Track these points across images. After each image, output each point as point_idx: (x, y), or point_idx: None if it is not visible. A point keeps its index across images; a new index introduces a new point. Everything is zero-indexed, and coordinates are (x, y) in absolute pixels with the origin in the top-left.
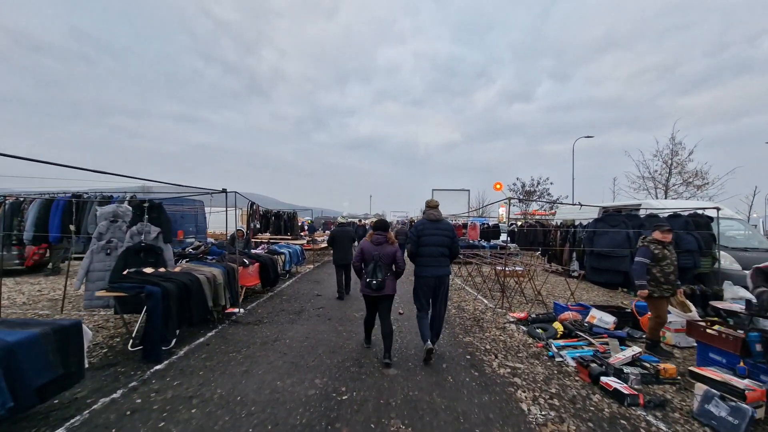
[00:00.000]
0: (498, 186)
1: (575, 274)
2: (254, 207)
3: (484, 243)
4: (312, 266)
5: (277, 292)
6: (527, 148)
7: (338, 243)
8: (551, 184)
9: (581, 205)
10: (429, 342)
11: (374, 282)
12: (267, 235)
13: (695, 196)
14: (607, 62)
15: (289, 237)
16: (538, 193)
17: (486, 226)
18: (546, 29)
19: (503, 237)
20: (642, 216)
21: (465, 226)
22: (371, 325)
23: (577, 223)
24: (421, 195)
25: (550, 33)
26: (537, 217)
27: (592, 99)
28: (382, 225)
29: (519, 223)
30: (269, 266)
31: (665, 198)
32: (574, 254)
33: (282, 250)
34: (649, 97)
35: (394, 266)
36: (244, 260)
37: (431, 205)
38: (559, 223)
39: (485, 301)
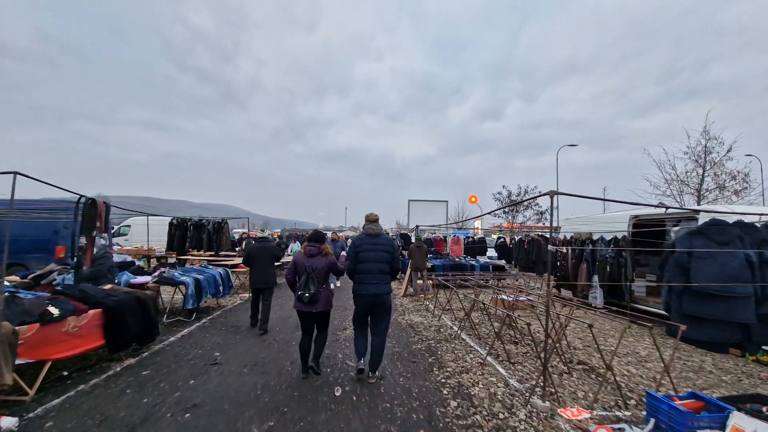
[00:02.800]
0: (473, 199)
1: (595, 302)
2: (96, 208)
3: (472, 261)
4: (250, 295)
5: (142, 358)
6: (500, 163)
7: (256, 262)
8: (539, 192)
9: (666, 208)
10: (361, 361)
11: (306, 294)
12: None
13: (732, 203)
14: (570, 85)
15: (226, 255)
16: (525, 204)
17: (470, 239)
18: (514, 52)
19: (490, 252)
20: (760, 226)
21: (445, 239)
22: (307, 349)
23: (596, 237)
24: (398, 207)
25: (519, 56)
26: (534, 230)
27: (557, 119)
28: (316, 237)
29: (517, 238)
30: (126, 313)
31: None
32: (595, 279)
33: (184, 278)
34: (607, 118)
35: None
36: (50, 309)
37: (370, 219)
38: (569, 238)
39: (504, 374)
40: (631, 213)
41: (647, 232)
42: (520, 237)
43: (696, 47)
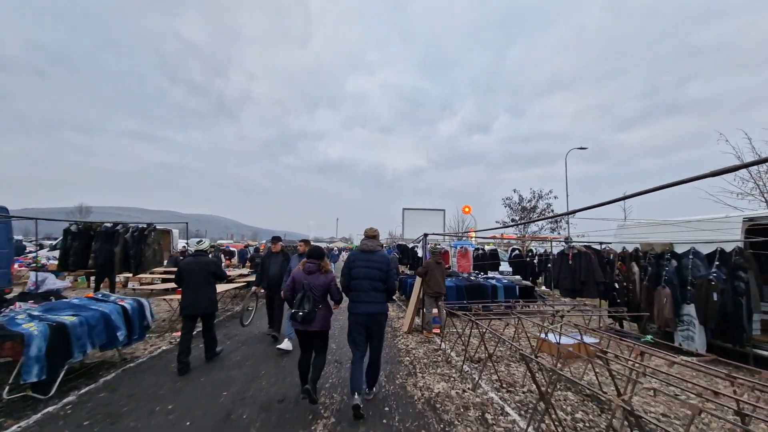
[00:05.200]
0: (467, 209)
1: (689, 346)
2: None
3: (492, 280)
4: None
5: None
6: (488, 176)
7: (189, 281)
8: (555, 198)
9: None
10: (356, 396)
11: (300, 314)
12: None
13: None
14: (555, 100)
15: (165, 274)
16: (539, 210)
17: (481, 252)
18: (502, 69)
19: (503, 267)
20: None
21: (451, 252)
22: (306, 366)
23: (685, 250)
24: (390, 217)
25: (506, 72)
26: (548, 243)
27: (544, 133)
28: (316, 253)
29: (559, 248)
30: None
31: None
32: (688, 310)
33: (29, 326)
34: (592, 132)
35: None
36: None
37: (369, 235)
38: (629, 250)
39: None
40: (745, 215)
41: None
42: (561, 250)
43: (674, 66)
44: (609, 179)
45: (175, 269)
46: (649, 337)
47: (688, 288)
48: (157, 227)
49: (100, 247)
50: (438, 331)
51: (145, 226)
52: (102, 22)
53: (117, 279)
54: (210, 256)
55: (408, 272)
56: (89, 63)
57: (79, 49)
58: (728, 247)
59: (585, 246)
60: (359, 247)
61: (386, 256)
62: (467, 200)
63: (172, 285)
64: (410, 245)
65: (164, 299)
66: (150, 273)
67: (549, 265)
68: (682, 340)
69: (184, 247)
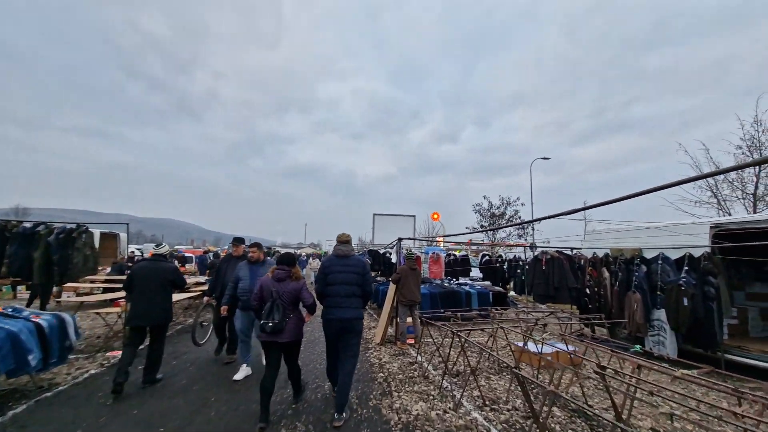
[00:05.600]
0: (435, 216)
1: (660, 351)
2: None
3: (466, 286)
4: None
5: None
6: (456, 184)
7: (142, 287)
8: (522, 205)
9: None
10: (337, 417)
11: (269, 324)
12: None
13: None
14: (518, 115)
15: (107, 283)
16: (508, 216)
17: (453, 258)
18: (469, 83)
19: (474, 272)
20: None
21: (423, 258)
22: (270, 387)
23: (653, 255)
24: (361, 223)
25: (473, 86)
26: (514, 249)
27: (507, 144)
28: (286, 259)
29: (528, 254)
30: None
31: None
32: (658, 316)
33: None
34: (550, 146)
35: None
36: None
37: (341, 240)
38: (599, 256)
39: None
40: (712, 221)
41: (738, 248)
42: (535, 255)
43: (621, 88)
44: (565, 190)
45: (119, 278)
46: (637, 347)
47: (658, 293)
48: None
49: (15, 252)
50: (412, 341)
51: (74, 227)
52: (44, 10)
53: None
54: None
55: (380, 279)
56: (33, 54)
57: (20, 39)
58: (696, 253)
59: (557, 251)
60: (333, 252)
61: (362, 260)
62: (436, 207)
63: (114, 295)
64: (382, 251)
65: (97, 313)
66: (90, 282)
67: (518, 270)
68: (653, 345)
69: (133, 252)
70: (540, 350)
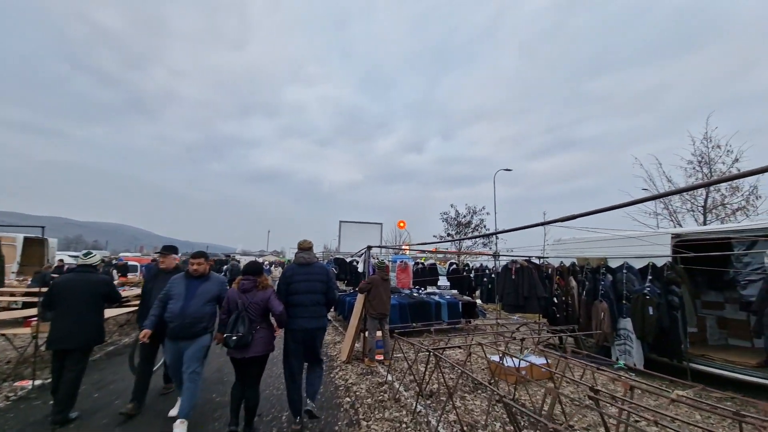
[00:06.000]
0: (401, 224)
1: (628, 360)
2: None
3: (435, 296)
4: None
5: None
6: (421, 193)
7: (67, 303)
8: (487, 214)
9: None
10: (298, 419)
11: (233, 338)
12: None
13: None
14: (480, 129)
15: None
16: (474, 225)
17: (421, 266)
18: (435, 95)
19: (442, 281)
20: None
21: (390, 266)
22: (239, 395)
23: (619, 264)
24: (326, 230)
25: (438, 99)
26: (479, 258)
27: (469, 157)
28: (252, 268)
29: (496, 263)
30: None
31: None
32: (624, 325)
33: None
34: (509, 159)
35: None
36: None
37: (303, 247)
38: (566, 265)
39: None
40: (672, 231)
41: (699, 258)
42: (505, 265)
43: (571, 108)
44: (525, 200)
45: (44, 289)
46: (621, 363)
47: (624, 302)
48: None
49: None
50: (381, 357)
51: None
52: None
53: None
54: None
55: (346, 289)
56: None
57: None
58: (659, 262)
59: (526, 260)
60: (295, 260)
61: (325, 267)
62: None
63: (30, 312)
64: (348, 259)
65: (2, 334)
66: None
67: (485, 279)
68: (620, 354)
69: (61, 261)
70: (518, 365)
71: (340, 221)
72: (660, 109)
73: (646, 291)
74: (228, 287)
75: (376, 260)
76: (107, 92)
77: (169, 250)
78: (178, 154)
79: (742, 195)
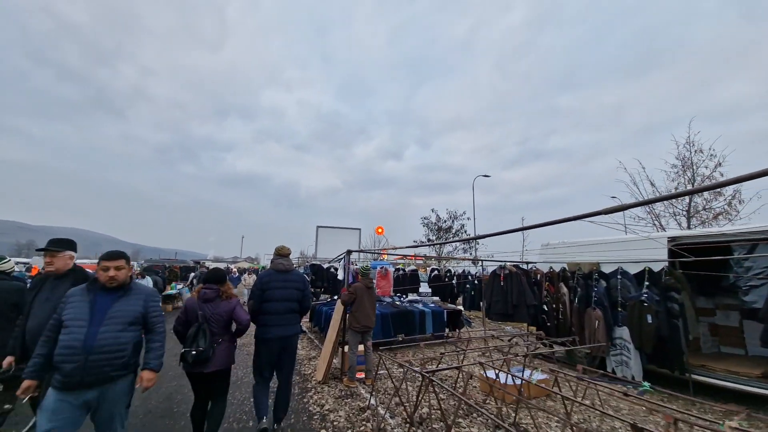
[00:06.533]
0: (380, 230)
1: (625, 371)
2: None
3: (418, 304)
4: None
5: None
6: (400, 200)
7: None
8: (468, 219)
9: None
10: (264, 421)
11: (192, 353)
12: None
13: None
14: (456, 138)
15: None
16: (454, 230)
17: (402, 272)
18: (413, 104)
19: (423, 288)
20: None
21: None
22: (200, 416)
23: (613, 269)
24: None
25: (417, 108)
26: (462, 264)
27: (446, 165)
28: (214, 276)
29: (477, 269)
30: None
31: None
32: (620, 334)
33: None
34: (484, 168)
35: (234, 325)
36: None
37: (281, 253)
38: (559, 271)
39: None
40: (669, 234)
41: (696, 262)
42: (493, 270)
43: (541, 121)
44: (500, 208)
45: None
46: (646, 385)
47: (619, 309)
48: None
49: None
50: (362, 375)
51: None
52: None
53: None
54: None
55: (324, 298)
56: None
57: None
58: (655, 267)
59: (514, 266)
60: (272, 266)
61: (302, 275)
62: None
63: None
64: (326, 265)
65: None
66: None
67: (468, 286)
68: (616, 365)
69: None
70: (520, 383)
71: (318, 226)
72: (622, 124)
73: (643, 298)
74: (159, 300)
75: (360, 266)
76: (71, 88)
77: (62, 245)
78: (149, 155)
79: (725, 199)
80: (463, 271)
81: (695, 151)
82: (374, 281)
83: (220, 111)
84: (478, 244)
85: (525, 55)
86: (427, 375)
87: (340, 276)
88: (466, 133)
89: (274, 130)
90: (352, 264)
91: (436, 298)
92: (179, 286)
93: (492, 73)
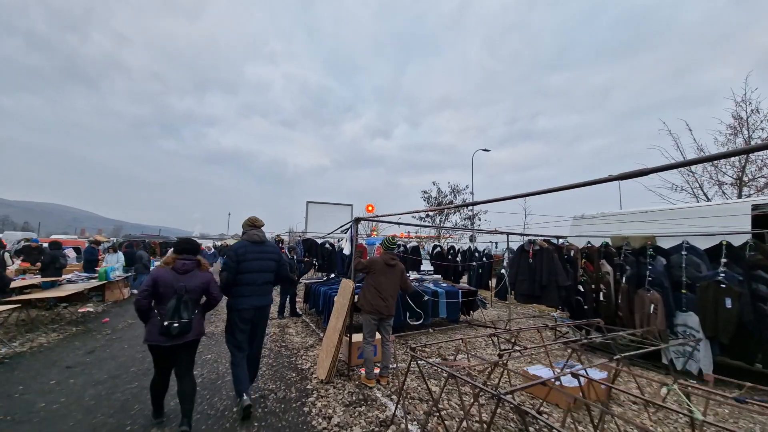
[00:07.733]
0: (370, 208)
1: (689, 368)
2: None
3: (429, 284)
4: None
5: None
6: (388, 179)
7: None
8: (470, 193)
9: None
10: (246, 398)
11: (175, 325)
12: None
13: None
14: (445, 117)
15: None
16: (454, 207)
17: (402, 249)
18: (402, 82)
19: (425, 266)
20: None
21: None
22: (163, 389)
23: (677, 244)
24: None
25: (405, 86)
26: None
27: (435, 144)
28: (190, 246)
29: (475, 245)
30: None
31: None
32: (688, 320)
33: None
34: (473, 147)
35: (205, 298)
36: None
37: (255, 224)
38: (600, 246)
39: None
40: (754, 201)
41: None
42: (521, 245)
43: (529, 102)
44: (489, 187)
45: None
46: (674, 386)
47: (683, 292)
48: None
49: None
50: (377, 371)
51: None
52: None
53: None
54: None
55: (318, 277)
56: None
57: None
58: (735, 241)
59: (545, 240)
60: (247, 237)
61: (276, 247)
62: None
63: None
64: (320, 240)
65: None
66: None
67: (474, 263)
68: (676, 356)
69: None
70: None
71: (308, 202)
72: (608, 106)
73: (720, 278)
74: None
75: (386, 238)
76: (39, 57)
77: None
78: (125, 129)
79: None
80: (469, 247)
81: (751, 111)
82: (396, 260)
83: (201, 84)
84: (480, 219)
85: (515, 34)
86: (503, 396)
87: (347, 251)
88: (455, 112)
89: (258, 104)
90: (362, 235)
91: (438, 277)
92: (157, 263)
93: (480, 52)
